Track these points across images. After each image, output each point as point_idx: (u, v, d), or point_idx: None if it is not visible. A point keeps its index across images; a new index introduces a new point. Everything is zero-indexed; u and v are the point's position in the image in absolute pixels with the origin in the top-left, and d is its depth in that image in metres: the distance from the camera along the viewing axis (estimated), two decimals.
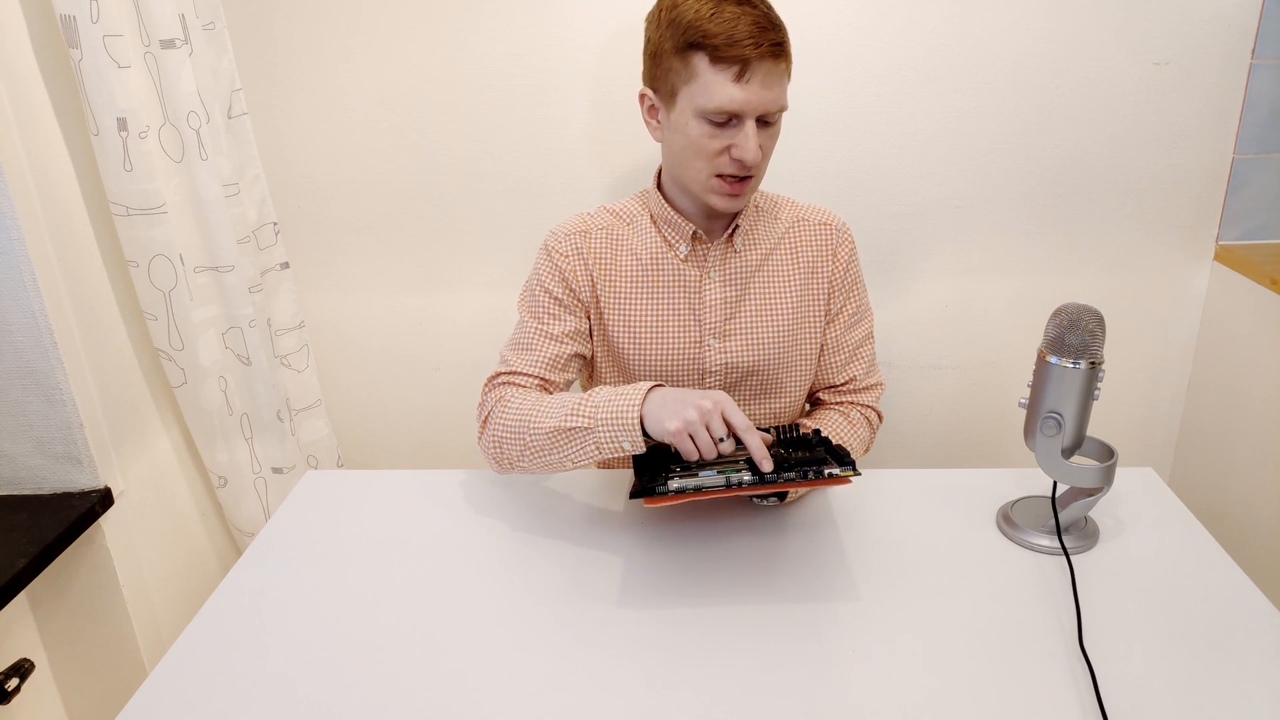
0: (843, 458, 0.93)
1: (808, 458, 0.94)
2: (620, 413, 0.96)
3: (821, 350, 1.23)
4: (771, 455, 0.94)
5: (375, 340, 1.72)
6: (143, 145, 1.24)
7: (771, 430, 1.04)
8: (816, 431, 1.01)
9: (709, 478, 0.92)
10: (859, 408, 1.23)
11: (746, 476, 0.91)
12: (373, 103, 1.54)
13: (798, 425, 1.04)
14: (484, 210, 1.61)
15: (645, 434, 0.95)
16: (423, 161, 1.58)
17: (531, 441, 1.03)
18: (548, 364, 1.14)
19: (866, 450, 1.23)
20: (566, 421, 0.99)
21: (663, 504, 0.92)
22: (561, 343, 1.15)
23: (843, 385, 1.24)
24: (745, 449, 0.92)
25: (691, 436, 0.91)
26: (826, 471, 0.89)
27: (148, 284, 1.32)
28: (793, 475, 0.89)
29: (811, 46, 1.48)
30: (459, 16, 1.48)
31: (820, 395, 1.26)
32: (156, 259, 1.31)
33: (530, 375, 1.13)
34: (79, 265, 1.25)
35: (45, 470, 1.21)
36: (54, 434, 1.19)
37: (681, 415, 0.91)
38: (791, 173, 1.56)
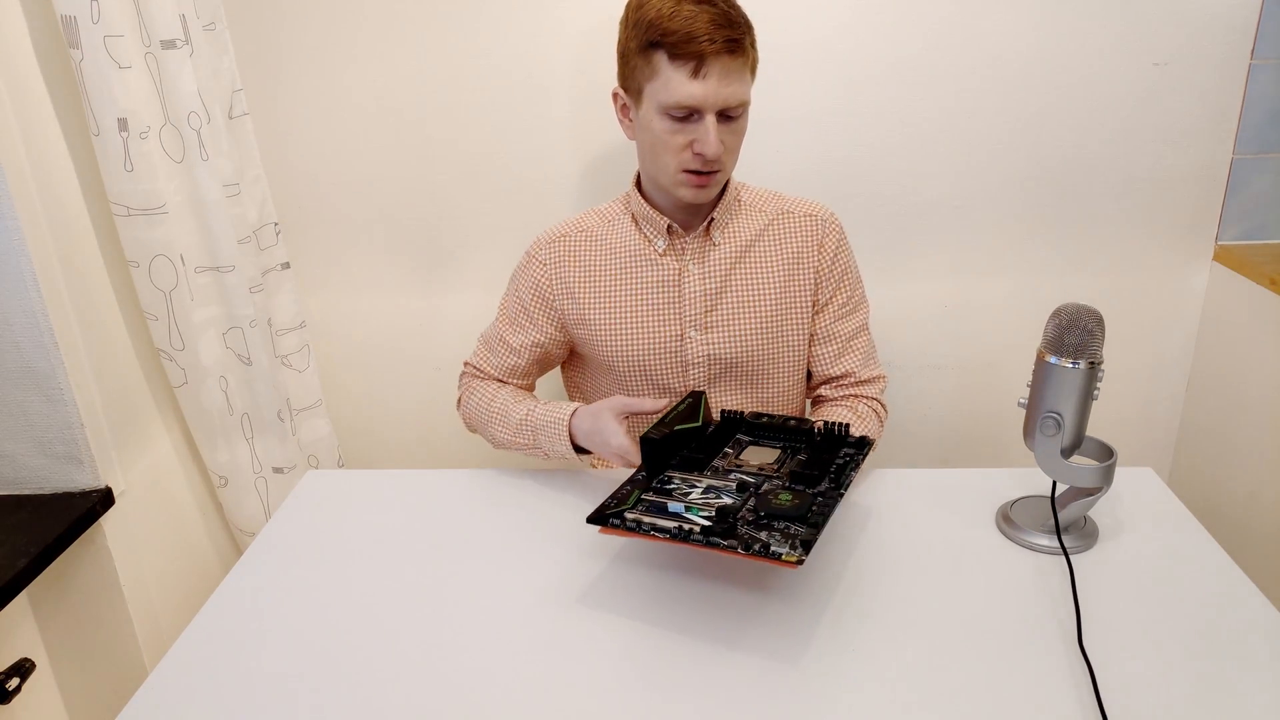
0: (861, 443, 1.02)
1: (780, 513, 0.90)
2: (556, 432, 1.14)
3: (813, 341, 1.24)
4: (793, 464, 0.98)
5: (376, 340, 1.72)
6: (143, 145, 1.24)
7: (818, 426, 1.06)
8: (836, 425, 1.04)
9: (664, 522, 0.89)
10: (864, 400, 1.23)
11: (696, 532, 0.86)
12: (374, 103, 1.54)
13: (836, 425, 1.05)
14: (484, 210, 1.61)
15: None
16: (423, 162, 1.58)
17: (492, 438, 1.23)
18: (506, 371, 1.27)
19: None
20: (516, 437, 1.19)
21: (612, 534, 0.94)
22: (519, 354, 1.25)
23: (840, 378, 1.24)
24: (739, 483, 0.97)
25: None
26: (773, 550, 0.83)
27: (148, 284, 1.32)
28: (734, 544, 0.85)
29: (810, 46, 1.48)
30: (460, 17, 1.48)
31: (822, 391, 1.27)
32: (157, 259, 1.31)
33: (490, 376, 1.28)
34: (80, 265, 1.25)
35: (46, 470, 1.21)
36: (54, 434, 1.19)
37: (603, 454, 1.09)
38: (790, 172, 1.56)
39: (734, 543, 0.84)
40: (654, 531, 0.87)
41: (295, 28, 1.49)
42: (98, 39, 1.17)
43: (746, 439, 1.08)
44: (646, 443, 0.99)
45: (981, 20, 1.46)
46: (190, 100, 1.29)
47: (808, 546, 0.82)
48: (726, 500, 0.93)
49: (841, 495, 0.93)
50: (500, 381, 1.27)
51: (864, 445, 1.02)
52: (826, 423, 1.04)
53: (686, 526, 0.88)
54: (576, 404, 1.15)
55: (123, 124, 1.22)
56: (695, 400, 1.09)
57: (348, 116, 1.55)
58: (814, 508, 0.90)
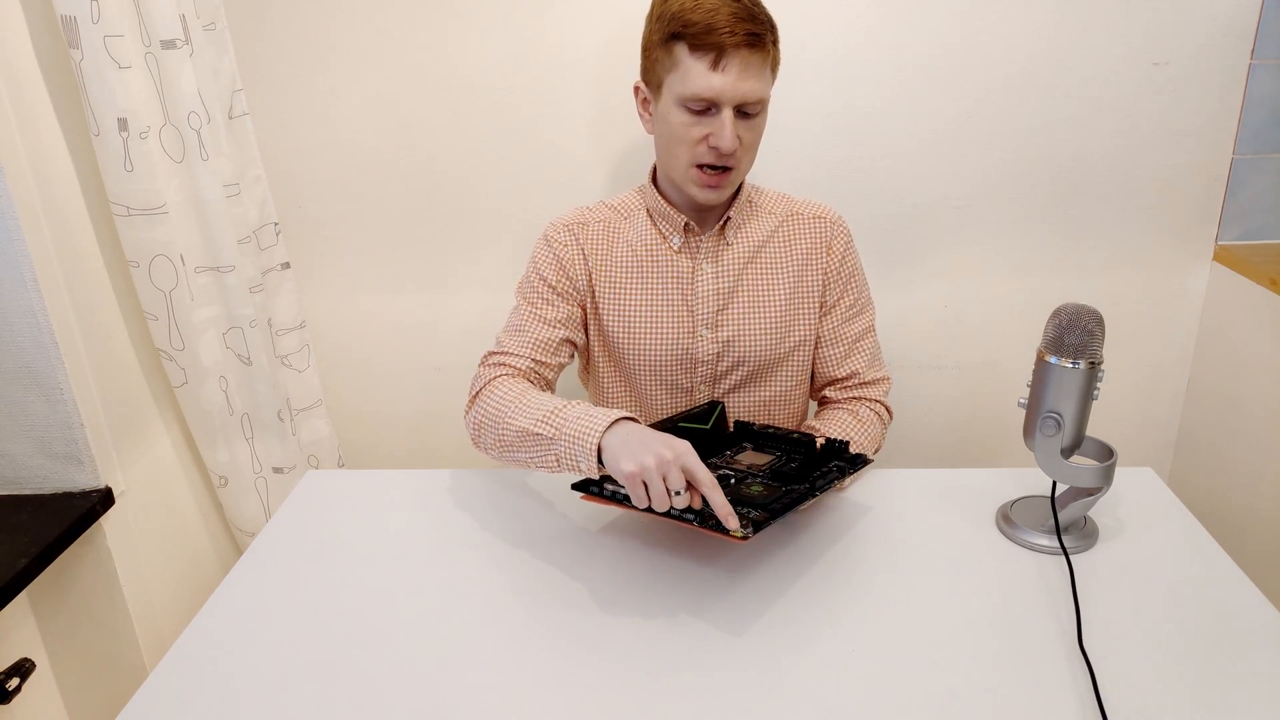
0: (855, 460, 1.00)
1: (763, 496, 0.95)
2: (583, 434, 0.94)
3: (819, 342, 1.24)
4: (780, 466, 0.97)
5: (375, 340, 1.72)
6: (143, 145, 1.24)
7: (819, 441, 1.05)
8: (838, 442, 1.03)
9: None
10: (866, 403, 1.23)
11: (749, 528, 0.89)
12: (373, 103, 1.54)
13: (836, 442, 1.04)
14: (484, 210, 1.61)
15: (602, 462, 0.93)
16: (423, 161, 1.58)
17: (503, 435, 1.05)
18: (539, 346, 1.17)
19: (878, 449, 1.22)
20: (536, 426, 1.00)
21: (592, 501, 0.99)
22: (553, 327, 1.18)
23: (845, 379, 1.24)
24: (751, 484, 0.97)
25: (645, 484, 0.87)
26: (722, 525, 0.86)
27: (148, 284, 1.32)
28: (691, 518, 0.88)
29: (812, 47, 1.48)
30: (459, 17, 1.48)
31: (826, 392, 1.27)
32: (157, 259, 1.31)
33: (522, 356, 1.15)
34: (79, 265, 1.25)
35: (46, 470, 1.21)
36: (55, 434, 1.19)
37: (638, 459, 0.87)
38: (792, 173, 1.56)
39: (692, 516, 0.89)
40: (625, 501, 0.92)
41: (295, 28, 1.49)
42: (98, 39, 1.17)
43: (749, 445, 1.10)
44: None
45: (982, 21, 1.46)
46: (190, 100, 1.29)
47: (758, 526, 0.86)
48: None
49: (815, 495, 0.95)
50: (534, 363, 1.15)
51: (858, 462, 1.03)
52: (829, 439, 1.04)
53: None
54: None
55: (123, 124, 1.22)
56: (710, 407, 1.11)
57: (348, 116, 1.55)
58: (780, 499, 0.93)
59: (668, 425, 1.04)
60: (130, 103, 1.22)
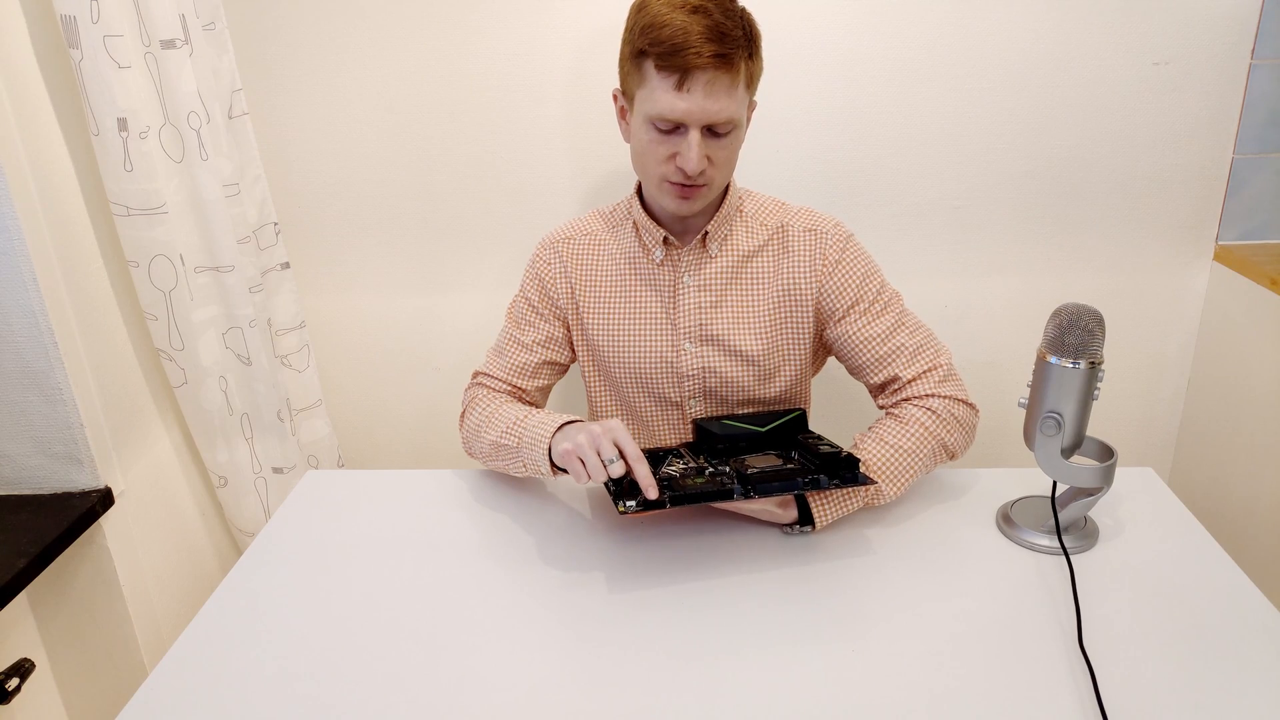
0: (847, 477, 0.98)
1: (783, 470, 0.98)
2: (537, 440, 1.05)
3: (847, 353, 1.16)
4: (758, 472, 0.98)
5: (375, 340, 1.72)
6: (143, 145, 1.24)
7: (844, 452, 1.01)
8: (845, 459, 0.98)
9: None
10: (913, 402, 1.11)
11: (631, 503, 0.95)
12: (374, 103, 1.54)
13: (838, 452, 1.00)
14: (484, 210, 1.61)
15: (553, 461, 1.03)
16: (423, 161, 1.58)
17: (483, 448, 1.15)
18: (516, 370, 1.22)
19: (944, 448, 1.09)
20: (503, 438, 1.11)
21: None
22: (531, 351, 1.23)
23: (888, 385, 1.15)
24: (740, 468, 1.00)
25: (582, 460, 0.96)
26: (624, 502, 0.94)
27: (148, 284, 1.32)
28: (633, 505, 0.94)
29: (811, 47, 1.48)
30: (460, 17, 1.48)
31: (878, 401, 1.18)
32: (157, 259, 1.31)
33: (499, 379, 1.23)
34: (79, 265, 1.25)
35: (45, 470, 1.21)
36: (54, 434, 1.19)
37: (573, 439, 0.97)
38: (790, 173, 1.56)
39: (614, 487, 0.96)
40: (642, 508, 0.95)
41: (295, 28, 1.49)
42: (97, 39, 1.17)
43: (776, 452, 1.07)
44: (695, 424, 1.12)
45: (981, 20, 1.46)
46: (190, 100, 1.29)
47: (648, 507, 0.94)
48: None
49: (748, 494, 0.96)
50: (511, 386, 1.22)
51: (847, 481, 0.97)
52: (839, 456, 0.99)
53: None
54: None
55: (122, 124, 1.22)
56: (774, 414, 1.12)
57: (348, 116, 1.55)
58: (694, 493, 0.95)
59: (715, 421, 1.10)
60: (130, 102, 1.22)
